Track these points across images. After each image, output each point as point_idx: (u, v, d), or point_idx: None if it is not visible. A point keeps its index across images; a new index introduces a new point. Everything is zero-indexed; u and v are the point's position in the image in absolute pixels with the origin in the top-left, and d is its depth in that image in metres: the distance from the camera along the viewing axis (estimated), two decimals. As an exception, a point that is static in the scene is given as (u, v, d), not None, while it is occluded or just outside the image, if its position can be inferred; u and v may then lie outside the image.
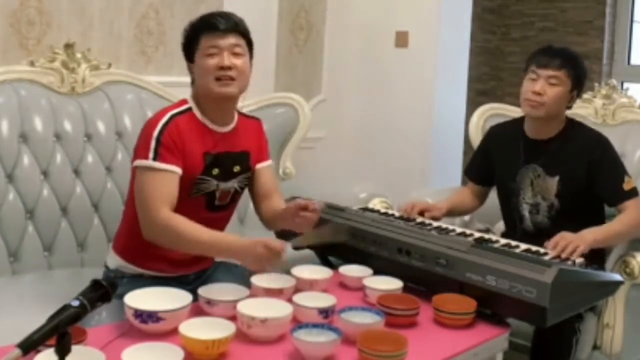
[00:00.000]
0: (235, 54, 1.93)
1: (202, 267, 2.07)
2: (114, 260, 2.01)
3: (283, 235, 2.20)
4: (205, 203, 1.98)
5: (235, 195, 2.06)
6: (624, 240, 2.29)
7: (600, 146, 2.30)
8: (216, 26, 1.92)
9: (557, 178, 2.31)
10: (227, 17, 1.96)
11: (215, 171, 1.96)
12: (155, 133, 1.87)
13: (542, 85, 2.28)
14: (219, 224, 2.02)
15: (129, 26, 2.93)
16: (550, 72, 2.28)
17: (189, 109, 1.97)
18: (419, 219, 2.31)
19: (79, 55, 2.57)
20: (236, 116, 2.06)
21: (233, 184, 2.02)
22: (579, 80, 2.32)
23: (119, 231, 2.08)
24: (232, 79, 1.92)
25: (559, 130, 2.35)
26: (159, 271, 1.97)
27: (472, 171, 2.63)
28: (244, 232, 2.84)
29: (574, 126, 2.38)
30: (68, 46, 2.55)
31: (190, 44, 1.98)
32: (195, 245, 1.86)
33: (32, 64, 2.49)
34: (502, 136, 2.51)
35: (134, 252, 1.97)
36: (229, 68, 1.91)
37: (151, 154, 1.86)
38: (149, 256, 1.93)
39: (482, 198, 2.62)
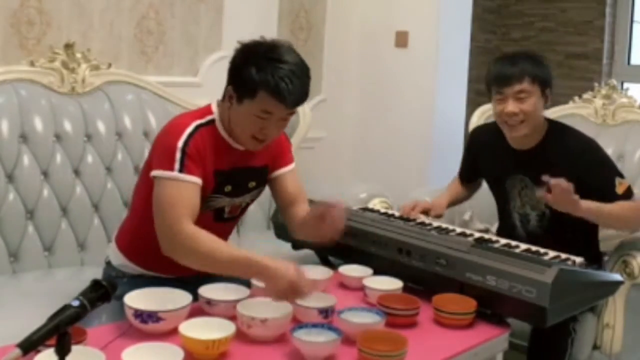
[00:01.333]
0: (285, 120, 1.84)
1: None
2: (116, 257, 2.00)
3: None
4: (214, 217, 1.92)
5: (245, 207, 2.02)
6: (610, 226, 2.26)
7: (586, 152, 2.21)
8: (283, 99, 1.74)
9: (545, 188, 2.24)
10: (297, 83, 1.76)
11: (228, 188, 1.90)
12: (180, 144, 1.76)
13: (512, 104, 2.16)
14: (224, 234, 1.97)
15: (129, 26, 2.93)
16: (515, 88, 2.15)
17: (212, 121, 1.86)
18: (420, 219, 2.31)
19: (79, 55, 2.57)
20: None
21: (245, 198, 1.98)
22: (546, 78, 2.21)
23: (123, 228, 2.04)
24: (269, 140, 1.86)
25: (541, 136, 2.25)
26: (161, 272, 1.95)
27: (463, 174, 2.62)
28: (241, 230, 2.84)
29: (557, 131, 2.27)
30: (68, 46, 2.55)
31: (246, 86, 1.77)
32: (218, 264, 1.72)
33: (32, 64, 2.48)
34: (485, 141, 2.44)
35: (137, 251, 1.96)
36: (273, 136, 1.85)
37: (177, 165, 1.75)
38: (152, 257, 1.88)
39: (474, 189, 2.65)
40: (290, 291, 1.65)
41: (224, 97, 1.87)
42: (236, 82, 1.80)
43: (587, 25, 4.80)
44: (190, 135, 1.79)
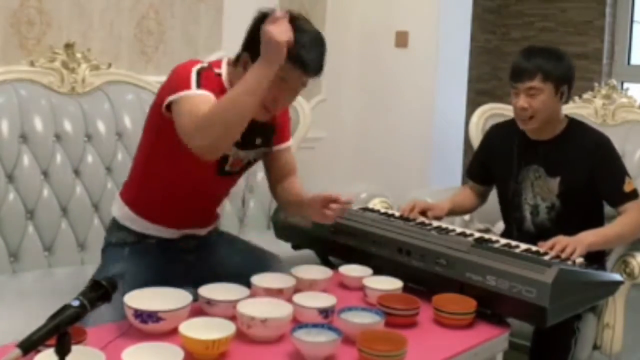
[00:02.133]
0: (296, 91, 1.87)
1: (207, 226, 2.07)
2: (121, 210, 2.01)
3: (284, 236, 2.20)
4: (215, 164, 1.90)
5: (247, 165, 2.03)
6: (622, 243, 2.29)
7: (602, 147, 2.28)
8: (304, 66, 1.78)
9: (558, 179, 2.30)
10: (316, 53, 1.81)
11: None
12: (195, 69, 1.79)
13: (523, 100, 2.24)
14: (222, 190, 2.00)
15: (129, 26, 2.93)
16: (526, 85, 2.22)
17: (219, 75, 1.87)
18: (419, 219, 2.31)
19: (79, 55, 2.57)
20: None
21: (249, 154, 1.98)
22: (562, 76, 2.25)
23: (128, 182, 2.06)
24: (278, 109, 1.88)
25: (559, 130, 2.34)
26: (165, 225, 1.97)
27: (473, 171, 2.63)
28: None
29: (575, 126, 2.36)
30: (68, 46, 2.55)
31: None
32: (241, 103, 1.66)
33: (32, 64, 2.49)
34: (502, 136, 2.50)
35: (142, 203, 1.98)
36: (284, 106, 1.87)
37: (193, 84, 1.75)
38: (158, 209, 1.92)
39: (483, 197, 2.62)
40: (276, 27, 1.65)
41: (236, 62, 1.87)
42: (254, 49, 1.76)
43: (587, 25, 4.80)
44: (203, 67, 1.82)
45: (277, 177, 2.09)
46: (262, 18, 1.78)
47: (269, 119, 1.92)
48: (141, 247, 1.97)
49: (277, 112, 1.91)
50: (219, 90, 1.82)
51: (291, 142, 2.13)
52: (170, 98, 1.77)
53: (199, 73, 1.79)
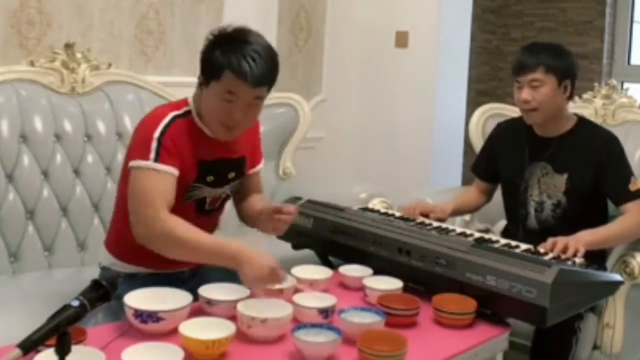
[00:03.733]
0: (251, 106, 1.83)
1: (196, 263, 2.06)
2: (108, 259, 1.99)
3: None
4: (195, 208, 1.94)
5: (225, 199, 2.04)
6: (621, 243, 2.29)
7: (610, 145, 2.29)
8: (245, 76, 1.75)
9: (565, 175, 2.31)
10: (261, 63, 1.77)
11: (210, 178, 1.92)
12: (157, 134, 1.79)
13: (527, 92, 2.26)
14: (209, 227, 1.98)
15: (129, 26, 2.93)
16: (528, 77, 2.25)
17: (189, 112, 1.89)
18: (420, 219, 2.30)
19: (79, 55, 2.57)
20: None
21: (225, 189, 2.00)
22: (565, 70, 2.27)
23: (110, 231, 2.05)
24: (238, 127, 1.86)
25: (568, 128, 2.34)
26: (153, 268, 1.94)
27: (478, 167, 2.63)
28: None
29: (583, 124, 2.37)
30: (68, 46, 2.55)
31: (212, 68, 1.80)
32: (195, 251, 1.77)
33: (32, 64, 2.49)
34: (509, 132, 2.50)
35: (126, 250, 1.94)
36: (240, 122, 1.85)
37: (152, 155, 1.77)
38: (141, 254, 1.88)
39: (488, 195, 2.62)
40: (268, 276, 1.71)
41: (197, 87, 1.90)
42: (204, 67, 1.83)
43: (587, 25, 4.81)
44: (167, 125, 1.82)
45: (243, 196, 2.10)
46: (210, 38, 1.83)
47: (235, 137, 1.91)
48: (135, 278, 1.93)
49: (240, 129, 1.87)
50: (188, 132, 1.85)
51: (261, 165, 2.13)
52: (130, 164, 1.81)
53: (160, 139, 1.79)
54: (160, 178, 1.78)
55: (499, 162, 2.51)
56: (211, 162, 1.91)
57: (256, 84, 1.78)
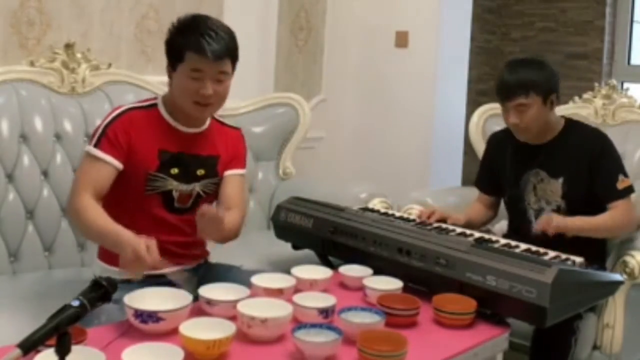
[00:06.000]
0: (219, 80, 1.92)
1: (189, 264, 2.06)
2: (100, 267, 1.99)
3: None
4: (162, 202, 1.96)
5: (199, 200, 2.02)
6: (598, 236, 2.29)
7: (599, 141, 2.30)
8: (204, 51, 1.86)
9: (561, 179, 2.31)
10: (218, 39, 1.89)
11: (175, 170, 1.96)
12: (104, 124, 1.92)
13: (514, 116, 2.27)
14: (187, 229, 1.98)
15: (129, 26, 2.93)
16: (513, 103, 2.25)
17: (154, 105, 1.99)
18: (419, 220, 2.30)
19: (79, 55, 2.57)
20: (208, 120, 2.06)
21: (195, 187, 2.00)
22: (548, 86, 2.26)
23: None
24: (210, 104, 1.94)
25: (557, 132, 2.35)
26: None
27: (480, 182, 2.62)
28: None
29: (572, 126, 2.37)
30: (68, 46, 2.55)
31: (174, 52, 1.92)
32: (95, 234, 1.84)
33: (32, 64, 2.49)
34: (500, 143, 2.50)
35: (117, 255, 1.92)
36: (210, 96, 1.91)
37: (94, 141, 1.91)
38: None
39: (494, 209, 2.59)
40: (133, 258, 1.68)
41: (168, 78, 1.98)
42: (169, 54, 1.95)
43: (587, 25, 4.81)
44: (116, 117, 1.93)
45: (226, 206, 2.03)
46: (173, 30, 1.94)
47: (212, 114, 2.01)
48: (130, 282, 1.88)
49: (214, 106, 1.95)
50: (148, 123, 1.95)
51: (243, 172, 2.14)
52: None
53: (105, 129, 1.91)
54: (94, 163, 1.89)
55: (496, 174, 2.51)
56: (174, 153, 1.96)
57: (217, 58, 1.88)
